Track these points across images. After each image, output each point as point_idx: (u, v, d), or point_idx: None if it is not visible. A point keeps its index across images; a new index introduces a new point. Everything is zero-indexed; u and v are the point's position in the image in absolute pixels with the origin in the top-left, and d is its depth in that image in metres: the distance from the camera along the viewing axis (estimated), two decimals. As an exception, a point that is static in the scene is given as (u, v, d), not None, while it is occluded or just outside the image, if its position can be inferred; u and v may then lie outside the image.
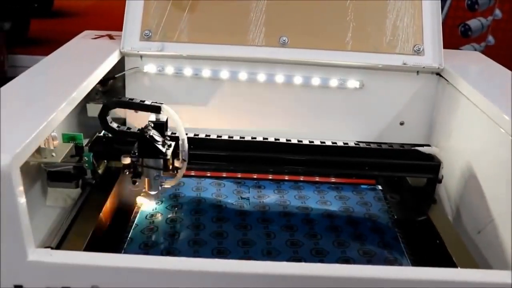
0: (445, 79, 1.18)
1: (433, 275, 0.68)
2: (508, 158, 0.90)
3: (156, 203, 1.05)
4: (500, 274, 0.69)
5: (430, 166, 1.13)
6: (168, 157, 0.94)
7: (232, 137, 1.13)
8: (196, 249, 0.93)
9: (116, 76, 1.19)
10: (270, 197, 1.11)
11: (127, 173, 0.95)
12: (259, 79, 1.20)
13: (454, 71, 1.16)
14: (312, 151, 1.12)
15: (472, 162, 1.03)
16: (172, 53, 1.18)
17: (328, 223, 1.03)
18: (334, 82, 1.21)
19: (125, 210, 1.04)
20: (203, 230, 0.98)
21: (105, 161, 1.10)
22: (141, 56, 1.19)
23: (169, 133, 1.00)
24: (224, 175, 1.18)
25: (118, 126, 0.99)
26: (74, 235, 0.90)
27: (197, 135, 1.14)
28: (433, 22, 1.21)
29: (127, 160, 0.94)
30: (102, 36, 1.28)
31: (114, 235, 0.97)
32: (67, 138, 1.00)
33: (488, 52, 2.16)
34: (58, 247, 0.86)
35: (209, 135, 1.14)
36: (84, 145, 1.01)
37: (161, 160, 0.95)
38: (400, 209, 1.10)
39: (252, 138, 1.09)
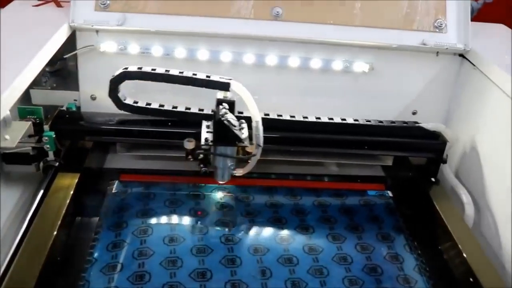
0: (471, 62, 1.00)
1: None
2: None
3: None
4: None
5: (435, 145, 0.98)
6: (246, 143, 0.84)
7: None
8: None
9: (65, 56, 0.96)
10: (262, 214, 0.91)
11: (191, 159, 0.85)
12: (245, 60, 1.02)
13: (481, 53, 0.99)
14: (305, 128, 0.98)
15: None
16: (137, 28, 0.98)
17: (336, 251, 0.84)
18: (337, 65, 1.04)
19: (96, 195, 0.94)
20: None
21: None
22: (97, 31, 0.98)
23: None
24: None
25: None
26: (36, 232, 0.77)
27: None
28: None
29: (191, 145, 0.84)
30: (47, 1, 1.02)
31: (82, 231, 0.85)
32: (25, 113, 0.89)
33: (486, 9, 2.01)
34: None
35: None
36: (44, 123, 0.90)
37: (235, 147, 0.85)
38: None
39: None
